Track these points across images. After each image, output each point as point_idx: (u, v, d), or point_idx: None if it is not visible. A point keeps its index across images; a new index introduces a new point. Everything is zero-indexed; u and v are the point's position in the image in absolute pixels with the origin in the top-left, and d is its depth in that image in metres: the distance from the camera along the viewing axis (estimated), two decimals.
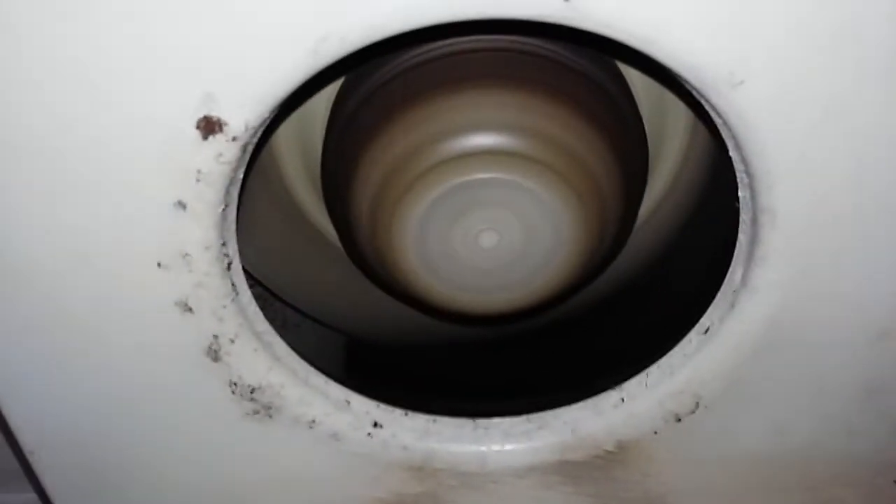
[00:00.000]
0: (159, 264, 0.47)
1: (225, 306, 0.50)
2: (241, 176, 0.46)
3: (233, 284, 0.50)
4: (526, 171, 0.51)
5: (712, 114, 0.45)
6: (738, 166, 0.47)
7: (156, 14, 0.39)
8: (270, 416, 0.55)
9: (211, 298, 0.49)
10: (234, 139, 0.43)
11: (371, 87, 0.56)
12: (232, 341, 0.51)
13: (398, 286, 0.56)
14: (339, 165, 0.57)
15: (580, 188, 0.52)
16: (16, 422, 0.55)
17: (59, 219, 0.46)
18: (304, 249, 0.69)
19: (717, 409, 0.56)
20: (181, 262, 0.47)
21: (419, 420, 0.59)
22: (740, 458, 0.59)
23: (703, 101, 0.44)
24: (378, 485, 0.59)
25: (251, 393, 0.54)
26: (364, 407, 0.58)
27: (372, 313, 0.72)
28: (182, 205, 0.45)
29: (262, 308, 0.54)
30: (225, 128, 0.42)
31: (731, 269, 0.52)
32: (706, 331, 0.55)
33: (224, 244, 0.48)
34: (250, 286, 0.53)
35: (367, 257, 0.57)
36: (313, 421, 0.56)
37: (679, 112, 0.61)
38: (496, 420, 0.60)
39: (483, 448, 0.59)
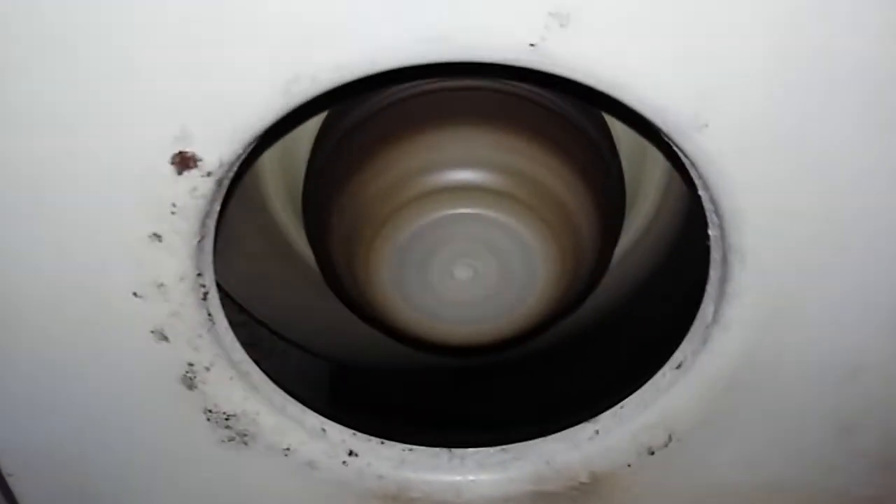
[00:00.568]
0: (135, 294, 0.48)
1: (201, 336, 0.50)
2: (218, 208, 0.47)
3: (209, 314, 0.50)
4: (501, 207, 0.52)
5: (680, 155, 0.46)
6: (707, 206, 0.48)
7: (132, 50, 0.40)
8: (246, 444, 0.56)
9: (186, 328, 0.50)
10: (208, 174, 0.44)
11: (353, 122, 0.57)
12: (207, 369, 0.52)
13: (375, 316, 0.57)
14: (319, 197, 0.58)
15: (555, 225, 0.53)
16: None
17: (35, 247, 0.46)
18: (289, 277, 0.69)
19: (691, 442, 0.57)
20: (156, 291, 0.48)
21: (395, 449, 0.59)
22: (714, 491, 0.59)
23: (671, 143, 0.45)
24: None
25: (226, 420, 0.54)
26: (340, 435, 0.58)
27: (355, 340, 0.73)
28: (157, 236, 0.46)
29: (248, 334, 0.55)
30: (199, 163, 0.43)
31: (703, 306, 0.53)
32: (679, 365, 0.55)
33: (200, 275, 0.48)
34: (237, 312, 0.54)
35: (346, 287, 0.58)
36: (288, 449, 0.56)
37: (657, 154, 0.62)
38: (471, 450, 0.60)
39: (458, 478, 0.60)
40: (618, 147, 0.61)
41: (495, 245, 0.52)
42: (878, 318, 0.51)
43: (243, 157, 0.45)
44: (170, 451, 0.56)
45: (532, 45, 0.40)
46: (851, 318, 0.51)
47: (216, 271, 0.51)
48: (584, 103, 0.58)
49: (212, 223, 0.47)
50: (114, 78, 0.41)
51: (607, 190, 0.58)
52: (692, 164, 0.45)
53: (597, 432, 0.58)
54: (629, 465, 0.58)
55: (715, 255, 0.50)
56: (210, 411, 0.54)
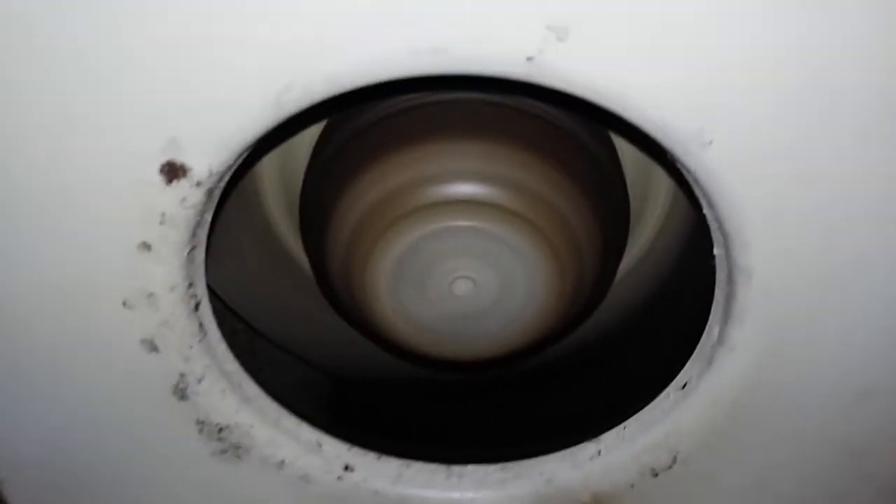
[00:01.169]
0: (124, 303, 0.47)
1: (192, 346, 0.50)
2: (210, 218, 0.46)
3: (200, 325, 0.50)
4: (501, 221, 0.51)
5: (684, 172, 0.44)
6: (712, 224, 0.47)
7: (122, 59, 0.40)
8: (239, 456, 0.55)
9: (176, 338, 0.49)
10: (198, 184, 0.43)
11: (351, 132, 0.56)
12: (199, 381, 0.51)
13: (372, 329, 0.56)
14: (316, 208, 0.57)
15: (556, 241, 0.52)
16: None
17: (25, 254, 0.46)
18: (287, 287, 0.69)
19: (695, 464, 0.55)
20: (146, 301, 0.47)
21: (392, 464, 0.58)
22: None
23: (675, 160, 0.44)
24: None
25: (219, 432, 0.54)
26: (336, 450, 0.57)
27: (354, 353, 0.72)
28: (147, 246, 0.45)
29: (247, 346, 0.54)
30: (189, 173, 0.42)
31: (708, 326, 0.52)
32: (684, 386, 0.54)
33: (191, 285, 0.48)
34: (234, 324, 0.53)
35: (342, 299, 0.57)
36: (282, 462, 0.56)
37: (661, 171, 0.61)
38: (471, 467, 0.59)
39: (456, 495, 0.59)
40: (622, 164, 0.59)
41: (494, 258, 0.52)
42: (891, 339, 0.50)
43: (234, 167, 0.44)
44: (162, 462, 0.55)
45: (529, 58, 0.39)
46: (862, 339, 0.50)
47: (214, 281, 0.50)
48: (588, 120, 0.57)
49: (203, 233, 0.47)
50: (102, 86, 0.40)
51: (610, 204, 0.57)
52: (696, 181, 0.44)
53: (599, 452, 0.57)
54: (632, 486, 0.57)
55: (720, 275, 0.49)
56: (202, 423, 0.53)
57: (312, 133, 0.60)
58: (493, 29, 0.39)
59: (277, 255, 0.67)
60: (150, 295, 0.47)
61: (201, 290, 0.49)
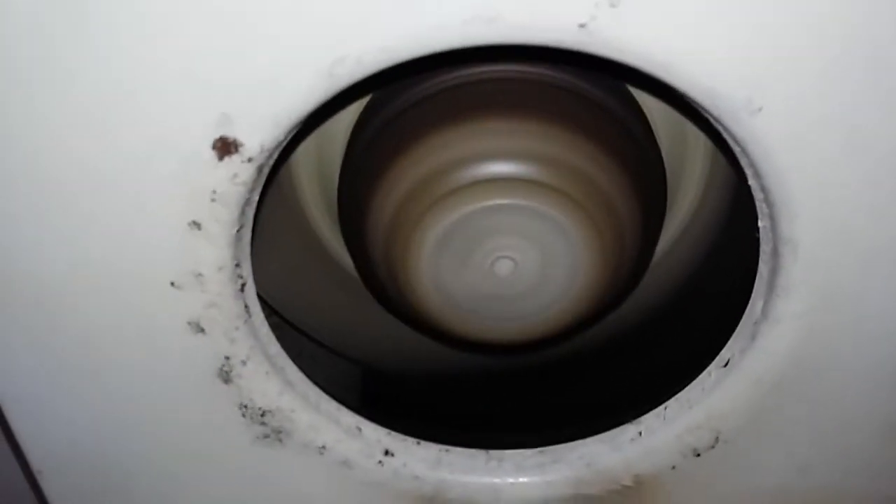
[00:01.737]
0: (172, 283, 0.47)
1: (237, 328, 0.50)
2: (257, 197, 0.46)
3: (246, 306, 0.49)
4: (543, 199, 0.51)
5: (731, 142, 0.44)
6: (757, 196, 0.47)
7: (172, 35, 0.40)
8: (280, 441, 0.55)
9: (223, 319, 0.49)
10: (249, 160, 0.43)
11: (391, 113, 0.56)
12: (244, 363, 0.51)
13: (412, 313, 0.56)
14: (355, 191, 0.57)
15: (598, 217, 0.51)
16: (24, 440, 0.55)
17: (73, 236, 0.46)
18: (321, 278, 0.68)
19: (737, 443, 0.55)
20: (194, 281, 0.47)
21: (431, 449, 0.58)
22: (761, 494, 0.58)
23: (721, 129, 0.44)
24: None
25: (262, 416, 0.53)
26: (375, 434, 0.57)
27: (387, 343, 0.72)
28: (197, 224, 0.45)
29: (278, 338, 0.54)
30: (241, 149, 0.42)
31: (751, 301, 0.52)
32: (726, 363, 0.54)
33: (238, 265, 0.47)
34: (267, 316, 0.53)
35: (382, 283, 0.57)
36: (323, 447, 0.55)
37: (698, 143, 0.61)
38: (510, 452, 0.59)
39: (496, 480, 0.58)
40: (656, 135, 0.59)
41: (536, 237, 0.51)
42: None
43: (284, 143, 0.44)
44: (204, 447, 0.55)
45: (582, 25, 0.39)
46: None
47: None
48: (615, 83, 0.57)
49: (251, 212, 0.47)
50: (155, 63, 0.40)
51: (648, 180, 0.57)
52: (743, 150, 0.44)
53: (640, 434, 0.57)
54: (674, 468, 0.57)
55: (765, 248, 0.49)
56: (245, 407, 0.53)
57: (348, 120, 0.60)
58: None
59: (311, 246, 0.67)
60: (199, 275, 0.47)
61: (247, 271, 0.49)
